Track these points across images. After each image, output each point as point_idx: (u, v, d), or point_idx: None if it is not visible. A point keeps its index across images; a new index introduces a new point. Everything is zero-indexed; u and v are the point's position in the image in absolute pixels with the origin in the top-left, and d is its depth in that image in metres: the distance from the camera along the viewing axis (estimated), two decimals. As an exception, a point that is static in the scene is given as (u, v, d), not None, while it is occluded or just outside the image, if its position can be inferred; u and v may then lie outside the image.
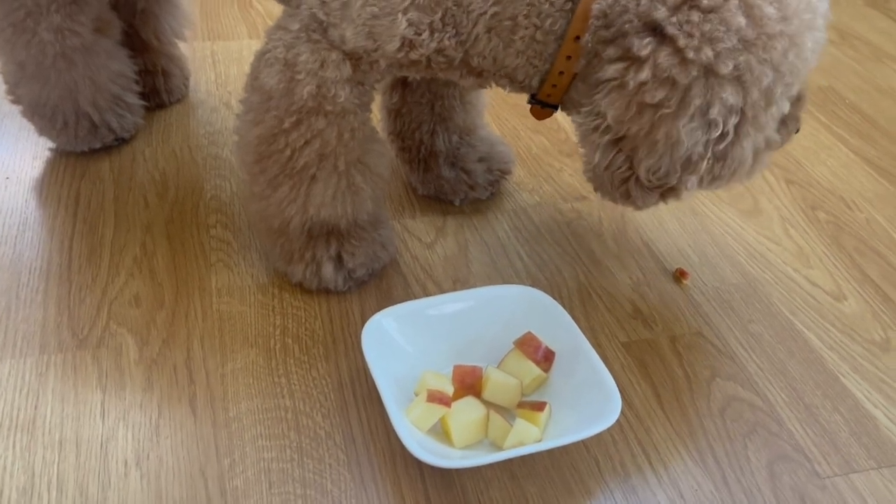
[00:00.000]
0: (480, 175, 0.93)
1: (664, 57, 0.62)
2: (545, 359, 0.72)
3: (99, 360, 0.74)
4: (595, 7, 0.67)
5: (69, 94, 0.92)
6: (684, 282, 0.86)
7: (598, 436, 0.69)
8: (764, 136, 0.69)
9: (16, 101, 0.95)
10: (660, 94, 0.63)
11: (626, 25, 0.65)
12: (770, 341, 0.80)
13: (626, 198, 0.71)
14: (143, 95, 1.03)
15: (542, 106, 0.76)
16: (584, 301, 0.83)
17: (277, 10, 1.36)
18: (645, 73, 0.63)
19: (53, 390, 0.71)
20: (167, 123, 1.07)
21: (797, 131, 0.75)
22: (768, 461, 0.69)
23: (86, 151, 0.98)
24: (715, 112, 0.64)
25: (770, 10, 0.62)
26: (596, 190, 0.73)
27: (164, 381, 0.72)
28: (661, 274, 0.88)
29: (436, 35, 0.69)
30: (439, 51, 0.70)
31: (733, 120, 0.65)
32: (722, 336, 0.81)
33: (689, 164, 0.67)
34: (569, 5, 0.68)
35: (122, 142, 1.01)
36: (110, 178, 0.96)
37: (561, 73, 0.71)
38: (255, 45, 1.26)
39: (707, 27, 0.62)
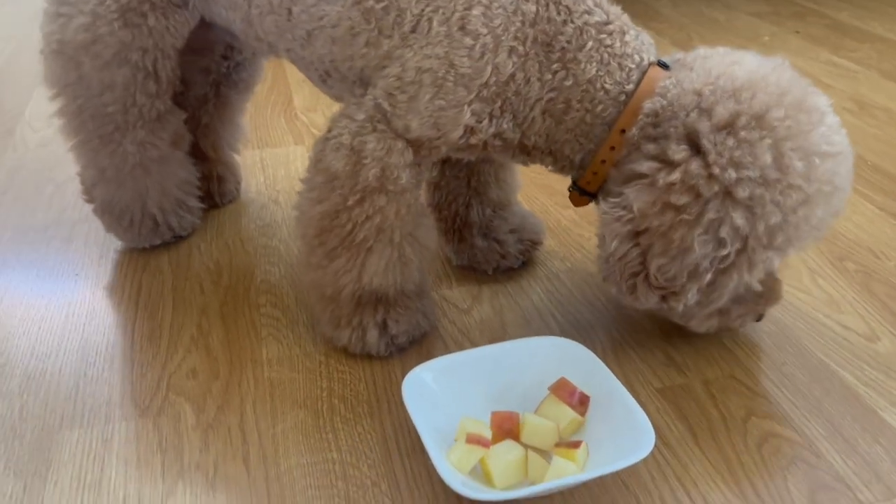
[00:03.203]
0: (512, 245, 0.98)
1: (695, 166, 0.70)
2: (580, 403, 0.74)
3: (159, 427, 0.78)
4: (647, 105, 0.74)
5: (139, 198, 1.01)
6: None
7: (638, 474, 0.71)
8: (749, 279, 0.74)
9: (89, 200, 1.05)
10: (684, 199, 0.70)
11: (671, 129, 0.72)
12: (804, 381, 0.81)
13: (632, 292, 0.76)
14: (198, 198, 1.12)
15: (581, 193, 0.82)
16: (617, 353, 0.86)
17: (321, 120, 1.48)
18: (675, 175, 0.70)
19: (118, 454, 0.75)
20: (221, 220, 1.15)
21: (760, 318, 0.85)
22: (809, 491, 0.69)
23: (147, 248, 1.07)
24: (724, 231, 0.70)
25: (798, 164, 0.70)
26: (604, 279, 0.78)
27: (219, 443, 0.76)
28: (693, 325, 0.90)
29: (495, 121, 0.76)
30: (497, 134, 0.77)
31: (737, 245, 0.71)
32: (755, 378, 0.82)
33: (695, 274, 0.73)
34: (622, 97, 0.76)
35: (180, 238, 1.09)
36: (169, 269, 1.04)
37: (603, 161, 0.78)
38: (301, 150, 1.37)
39: (737, 153, 0.69)
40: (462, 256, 0.99)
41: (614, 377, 0.75)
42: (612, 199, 0.75)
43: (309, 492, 0.70)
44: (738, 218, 0.70)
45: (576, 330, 0.90)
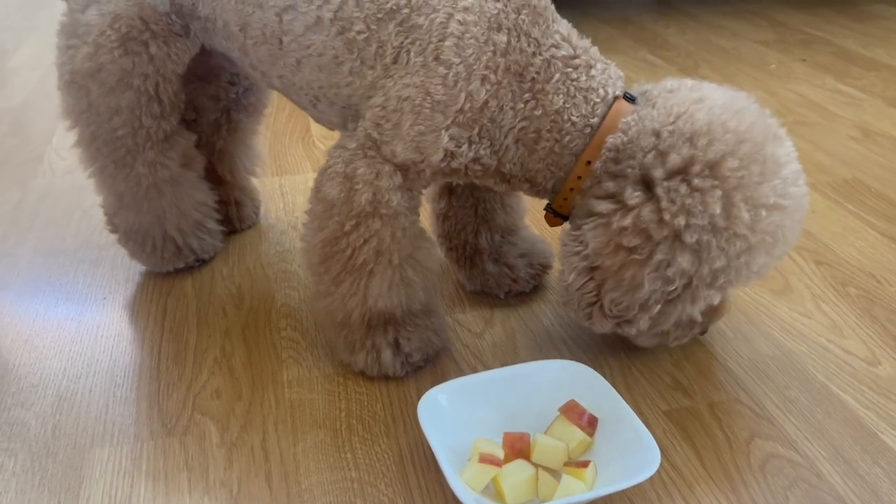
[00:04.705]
0: (522, 269, 1.02)
1: (647, 212, 0.74)
2: (589, 424, 0.77)
3: (185, 446, 0.82)
4: (609, 140, 0.79)
5: (158, 221, 1.06)
6: None
7: (644, 493, 0.74)
8: (692, 311, 0.80)
9: (113, 230, 1.09)
10: (635, 241, 0.75)
11: (629, 170, 0.77)
12: (807, 404, 0.84)
13: (588, 318, 0.82)
14: (218, 223, 1.16)
15: (555, 215, 0.87)
16: (625, 376, 0.89)
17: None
18: (628, 220, 0.75)
19: (146, 472, 0.79)
20: (242, 246, 1.19)
21: (704, 332, 0.90)
22: (810, 510, 0.72)
23: (171, 272, 1.11)
24: (672, 271, 0.75)
25: (745, 215, 0.75)
26: (564, 304, 0.84)
27: (242, 461, 0.80)
28: (699, 350, 0.93)
29: (473, 146, 0.80)
30: (476, 159, 0.81)
31: (683, 281, 0.76)
32: (759, 401, 0.85)
33: (645, 306, 0.78)
34: (588, 130, 0.80)
35: (202, 262, 1.13)
36: (193, 293, 1.08)
37: (571, 189, 0.82)
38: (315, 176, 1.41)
39: (688, 201, 0.74)
40: (474, 282, 1.03)
41: (622, 399, 0.78)
42: (572, 233, 0.79)
43: (329, 508, 0.74)
44: (685, 262, 0.75)
45: (585, 353, 0.93)
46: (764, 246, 0.76)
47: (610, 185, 0.77)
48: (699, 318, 0.83)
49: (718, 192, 0.73)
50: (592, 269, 0.78)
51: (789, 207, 0.76)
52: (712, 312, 0.87)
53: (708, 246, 0.74)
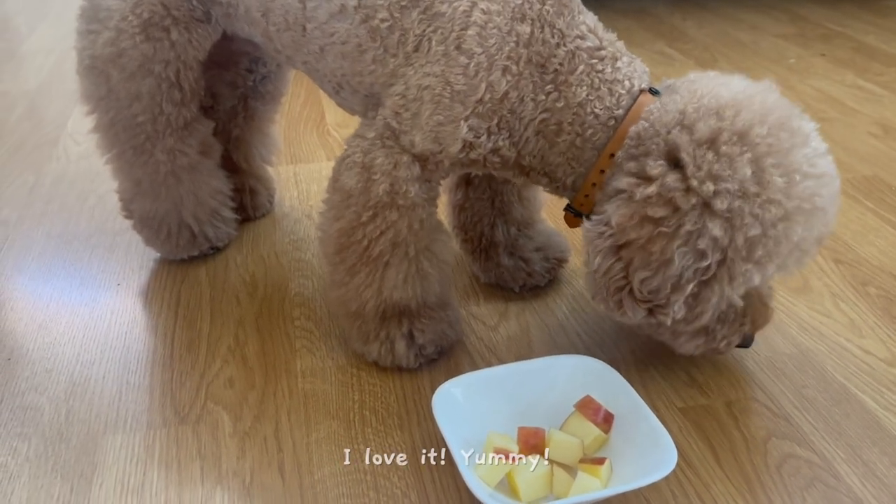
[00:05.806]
0: (537, 263, 1.01)
1: (672, 180, 0.72)
2: (605, 420, 0.77)
3: (198, 434, 0.82)
4: (632, 129, 0.77)
5: (174, 208, 1.06)
6: None
7: (660, 491, 0.73)
8: (730, 292, 0.74)
9: (128, 216, 1.09)
10: (661, 212, 0.72)
11: (653, 147, 0.74)
12: (825, 404, 0.83)
13: (619, 307, 0.77)
14: (232, 211, 1.16)
15: (575, 215, 0.85)
16: (641, 372, 0.88)
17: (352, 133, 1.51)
18: (652, 189, 0.72)
19: (159, 460, 0.79)
20: (256, 234, 1.19)
21: (750, 343, 0.84)
22: (827, 512, 0.71)
23: (185, 259, 1.11)
24: (703, 242, 0.71)
25: (777, 180, 0.71)
26: (592, 297, 0.79)
27: (255, 451, 0.79)
28: (715, 347, 0.92)
29: (492, 137, 0.79)
30: (494, 151, 0.80)
31: (717, 256, 0.72)
32: (776, 400, 0.84)
33: (677, 286, 0.74)
34: (612, 122, 0.78)
35: (216, 250, 1.13)
36: (207, 281, 1.07)
37: (594, 184, 0.80)
38: (333, 166, 1.40)
39: (716, 167, 0.71)
40: (489, 275, 1.02)
41: (638, 396, 0.77)
42: (595, 217, 0.77)
43: (341, 501, 0.73)
44: (716, 229, 0.71)
45: (600, 348, 0.92)
46: (801, 214, 0.72)
47: (632, 165, 0.75)
48: (740, 301, 0.78)
49: (748, 156, 0.70)
50: (618, 248, 0.75)
51: (824, 176, 0.73)
52: (757, 315, 0.83)
53: (740, 213, 0.70)
